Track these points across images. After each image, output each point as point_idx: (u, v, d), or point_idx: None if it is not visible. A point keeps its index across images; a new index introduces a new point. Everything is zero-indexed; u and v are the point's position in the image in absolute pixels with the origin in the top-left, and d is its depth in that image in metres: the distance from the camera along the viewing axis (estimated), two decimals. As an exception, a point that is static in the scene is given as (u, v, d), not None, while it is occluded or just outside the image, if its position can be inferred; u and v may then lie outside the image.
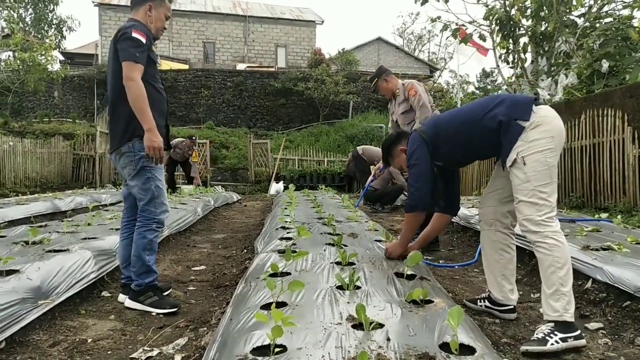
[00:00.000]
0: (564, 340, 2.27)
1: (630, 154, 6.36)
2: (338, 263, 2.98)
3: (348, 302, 2.19)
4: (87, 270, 3.18)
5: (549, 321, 2.37)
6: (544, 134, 2.49)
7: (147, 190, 2.97)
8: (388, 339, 1.74)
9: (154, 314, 2.88)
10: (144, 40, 2.88)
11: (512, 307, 2.82)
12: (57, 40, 17.88)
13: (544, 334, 2.32)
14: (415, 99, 4.61)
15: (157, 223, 3.02)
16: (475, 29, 10.52)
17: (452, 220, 5.85)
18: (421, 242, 3.27)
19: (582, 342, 2.31)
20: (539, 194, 2.47)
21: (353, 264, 2.96)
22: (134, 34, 2.85)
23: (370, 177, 6.87)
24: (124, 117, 2.92)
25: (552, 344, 2.26)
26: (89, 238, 3.89)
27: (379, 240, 3.88)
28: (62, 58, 26.42)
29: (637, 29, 8.03)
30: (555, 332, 2.30)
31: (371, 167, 7.66)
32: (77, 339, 2.44)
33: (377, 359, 1.57)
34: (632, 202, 6.28)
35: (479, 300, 2.94)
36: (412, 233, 3.14)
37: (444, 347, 1.70)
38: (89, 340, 2.43)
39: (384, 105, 21.18)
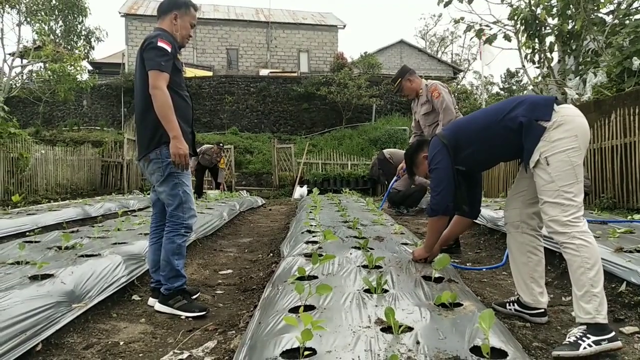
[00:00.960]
0: (597, 343, 2.20)
1: (664, 153, 6.18)
2: (365, 266, 2.98)
3: (376, 306, 2.19)
4: (118, 274, 3.24)
5: (581, 324, 2.30)
6: (567, 133, 2.45)
7: (175, 196, 3.02)
8: (417, 342, 1.73)
9: (183, 317, 2.92)
10: (169, 49, 2.93)
11: (542, 310, 2.76)
12: (85, 51, 18.32)
13: (576, 337, 2.25)
14: (438, 101, 4.55)
15: (186, 228, 3.07)
16: (500, 29, 10.38)
17: (479, 222, 5.79)
18: (440, 244, 3.24)
19: (618, 344, 2.23)
20: (564, 194, 2.43)
21: (380, 267, 2.95)
22: (160, 43, 2.91)
23: (395, 178, 6.81)
24: (151, 125, 2.98)
25: (584, 348, 2.19)
26: (118, 243, 3.97)
27: (406, 244, 3.86)
28: (90, 68, 27.14)
29: (669, 25, 7.81)
30: (588, 335, 2.23)
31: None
32: (110, 342, 2.49)
33: (407, 363, 1.56)
34: (667, 203, 6.10)
35: (508, 304, 2.90)
36: (437, 237, 3.12)
37: (475, 350, 1.68)
38: (121, 343, 2.48)
39: (407, 108, 21.09)
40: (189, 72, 24.18)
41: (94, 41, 19.78)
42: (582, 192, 2.49)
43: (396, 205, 8.41)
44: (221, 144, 11.65)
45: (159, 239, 3.15)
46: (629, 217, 5.05)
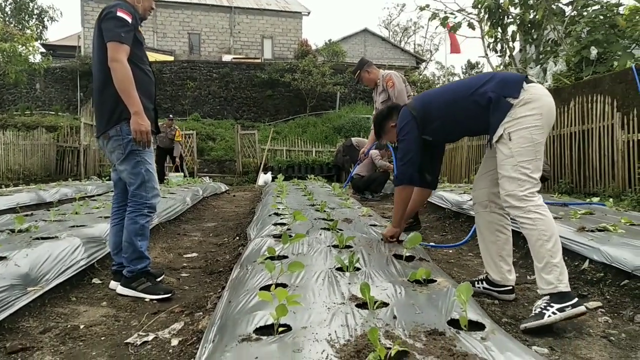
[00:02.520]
0: (561, 310, 2.26)
1: (620, 140, 6.40)
2: (335, 246, 2.94)
3: (349, 283, 2.15)
4: (77, 257, 3.08)
5: (545, 295, 2.36)
6: (533, 111, 2.48)
7: (137, 175, 2.89)
8: (394, 317, 1.70)
9: (147, 300, 2.80)
10: (129, 20, 2.78)
11: (510, 287, 2.80)
12: (38, 31, 17.45)
13: (541, 308, 2.32)
14: (392, 91, 4.81)
15: (149, 208, 2.94)
16: (464, 17, 10.48)
17: (444, 206, 5.86)
18: (404, 218, 3.24)
19: (582, 309, 2.28)
20: (521, 169, 2.47)
21: (350, 247, 2.92)
22: (119, 13, 2.75)
23: (357, 163, 6.95)
24: (110, 100, 2.83)
25: (549, 316, 2.26)
26: (77, 226, 3.79)
27: (374, 225, 3.85)
28: (43, 50, 25.92)
29: (624, 16, 8.07)
30: (552, 304, 2.29)
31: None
32: (69, 325, 2.36)
33: (386, 336, 1.52)
34: (621, 187, 6.33)
35: (476, 282, 2.92)
36: (403, 208, 3.12)
37: (452, 323, 1.66)
38: (81, 327, 2.36)
39: (370, 97, 21.16)
40: (149, 57, 23.23)
41: (47, 21, 18.87)
42: (540, 170, 2.53)
43: (360, 191, 8.44)
44: (171, 116, 11.43)
45: (121, 220, 3.01)
46: (588, 200, 5.22)
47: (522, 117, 2.48)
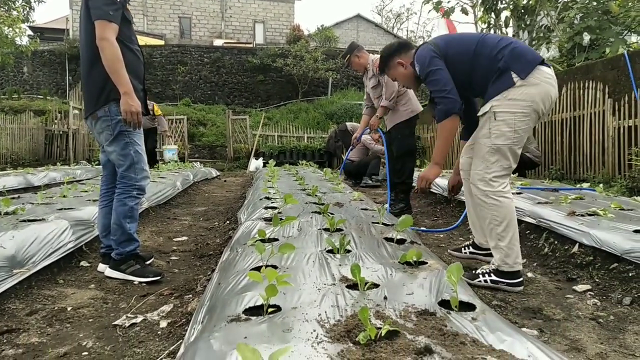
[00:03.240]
0: (494, 282, 2.55)
1: (610, 126, 6.42)
2: (326, 229, 2.93)
3: (340, 265, 2.14)
4: (65, 239, 3.04)
5: (494, 264, 2.62)
6: (525, 96, 2.44)
7: (126, 156, 2.84)
8: (385, 298, 1.69)
9: (136, 282, 2.78)
10: None
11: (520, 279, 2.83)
12: (25, 12, 17.08)
13: (483, 271, 2.63)
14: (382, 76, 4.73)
15: (138, 190, 2.90)
16: (458, 2, 10.42)
17: (435, 191, 5.85)
18: (437, 162, 2.89)
19: (518, 288, 2.55)
20: (494, 152, 2.51)
21: (341, 230, 2.91)
22: None
23: (350, 148, 6.88)
24: (98, 79, 2.77)
25: (479, 281, 2.58)
26: (65, 209, 3.74)
27: (365, 209, 3.83)
28: (31, 33, 25.45)
29: (617, 3, 8.05)
30: (491, 275, 2.58)
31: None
32: (56, 307, 2.33)
33: (376, 317, 1.51)
34: (611, 173, 6.37)
35: (463, 248, 3.04)
36: (449, 145, 2.82)
37: (443, 304, 1.65)
38: (69, 309, 2.33)
39: (362, 83, 21.05)
40: (139, 40, 22.88)
41: (35, 2, 18.45)
42: (513, 156, 2.55)
43: (352, 176, 8.40)
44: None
45: (110, 202, 2.97)
46: (578, 186, 5.24)
47: (513, 99, 2.45)
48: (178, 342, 1.88)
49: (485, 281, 2.57)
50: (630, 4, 7.96)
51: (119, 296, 2.58)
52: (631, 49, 6.95)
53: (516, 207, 3.94)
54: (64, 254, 2.98)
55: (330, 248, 2.41)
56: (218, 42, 25.89)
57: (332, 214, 3.46)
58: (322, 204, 3.79)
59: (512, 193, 4.37)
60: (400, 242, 2.69)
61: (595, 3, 8.13)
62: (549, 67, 2.60)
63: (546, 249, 3.39)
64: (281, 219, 2.78)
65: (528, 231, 3.76)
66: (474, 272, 2.64)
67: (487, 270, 2.60)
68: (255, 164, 14.33)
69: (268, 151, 15.97)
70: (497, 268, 2.56)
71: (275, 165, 8.18)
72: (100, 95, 2.79)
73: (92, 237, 3.41)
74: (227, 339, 1.38)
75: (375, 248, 2.47)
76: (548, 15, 9.18)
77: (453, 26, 15.18)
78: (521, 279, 2.59)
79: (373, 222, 3.22)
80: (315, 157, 15.89)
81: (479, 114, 2.57)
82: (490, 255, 2.83)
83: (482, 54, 2.57)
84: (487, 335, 1.39)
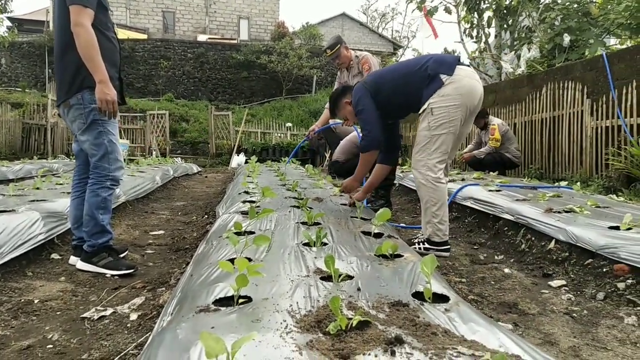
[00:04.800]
0: (426, 249, 3.06)
1: (589, 126, 6.50)
2: (304, 223, 2.90)
3: (315, 257, 2.11)
4: (35, 231, 2.96)
5: (425, 236, 3.13)
6: (454, 91, 2.87)
7: (99, 146, 2.77)
8: (358, 289, 1.66)
9: (108, 275, 2.71)
10: None
11: (448, 246, 3.22)
12: (2, 2, 16.69)
13: (418, 240, 3.17)
14: (367, 74, 4.69)
15: (112, 180, 2.84)
16: (441, 1, 10.46)
17: (415, 189, 5.85)
18: (365, 190, 3.66)
19: (445, 254, 3.10)
20: (433, 142, 2.93)
21: (319, 223, 2.88)
22: None
23: (304, 139, 6.95)
24: (72, 66, 2.70)
25: (418, 248, 3.07)
26: (37, 200, 3.64)
27: (345, 205, 3.81)
28: (9, 24, 24.92)
29: (597, 4, 8.16)
30: (424, 243, 3.13)
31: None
32: (23, 300, 2.26)
33: (349, 307, 1.49)
34: (589, 173, 6.44)
35: (417, 244, 3.18)
36: (367, 169, 3.50)
37: (417, 296, 1.63)
38: (36, 301, 2.26)
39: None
40: (121, 34, 22.77)
41: (13, -7, 18.06)
42: (449, 142, 2.96)
43: (341, 177, 8.35)
44: None
45: (82, 193, 2.89)
46: (556, 184, 5.29)
47: (445, 95, 2.87)
48: (147, 334, 1.83)
49: (420, 248, 3.07)
50: (609, 6, 8.07)
51: (89, 289, 2.51)
52: (609, 51, 7.05)
53: (495, 204, 4.01)
54: (34, 245, 2.89)
55: (306, 241, 2.38)
56: (202, 38, 25.65)
57: (311, 208, 3.43)
58: (302, 199, 3.76)
59: (491, 190, 4.42)
60: (378, 236, 2.68)
61: (576, 5, 8.23)
62: (468, 65, 3.16)
63: (523, 246, 3.40)
64: (258, 212, 2.74)
65: (506, 228, 3.77)
66: (414, 240, 3.16)
67: (422, 240, 3.14)
68: (237, 160, 14.22)
69: (251, 148, 15.85)
70: (429, 238, 3.09)
71: (257, 162, 8.13)
72: (73, 83, 2.72)
73: (65, 230, 3.33)
74: (194, 329, 1.34)
75: (352, 241, 2.44)
76: (530, 16, 9.27)
77: (434, 27, 15.18)
78: (449, 246, 3.16)
79: (352, 217, 3.20)
80: (298, 155, 15.82)
81: (419, 112, 2.99)
82: (445, 250, 3.21)
83: (411, 72, 3.07)
84: (459, 326, 1.37)
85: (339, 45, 4.91)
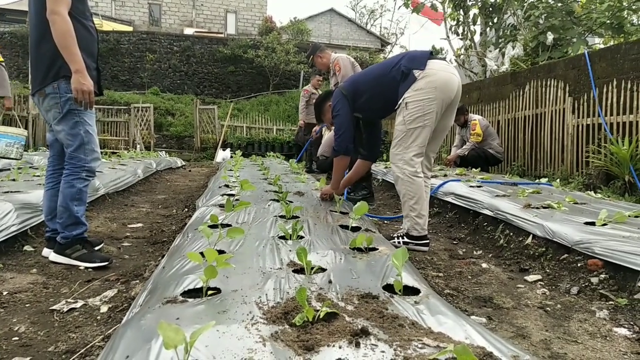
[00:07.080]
0: (406, 243, 3.06)
1: (570, 124, 6.56)
2: (282, 217, 2.88)
3: (290, 251, 2.09)
4: (7, 222, 2.90)
5: (405, 230, 3.13)
6: (428, 84, 2.90)
7: (75, 136, 2.72)
8: (330, 282, 1.65)
9: (81, 267, 2.67)
10: None
11: (427, 241, 3.21)
12: (-16, -9, 16.38)
13: (398, 235, 3.17)
14: (339, 74, 4.97)
15: (88, 171, 2.78)
16: (428, -1, 10.47)
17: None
18: (345, 184, 3.73)
19: (424, 248, 3.11)
20: (409, 136, 2.96)
21: (297, 217, 2.86)
22: None
23: (308, 138, 7.03)
24: (48, 54, 2.64)
25: (398, 242, 3.08)
26: (12, 192, 3.57)
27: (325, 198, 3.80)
28: (-9, 13, 24.47)
29: (581, 3, 8.23)
30: (404, 237, 3.11)
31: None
32: (-9, 292, 2.22)
33: (318, 299, 1.48)
34: (570, 170, 6.51)
35: (396, 238, 3.18)
36: (341, 175, 3.58)
37: (388, 288, 1.63)
38: (5, 293, 2.21)
39: (335, 76, 20.99)
40: (107, 26, 22.51)
41: (-5, -18, 17.72)
42: (425, 135, 2.97)
43: (325, 172, 8.36)
44: None
45: (57, 184, 2.84)
46: (537, 181, 5.33)
47: (419, 89, 2.91)
48: (116, 327, 1.80)
49: (399, 242, 3.07)
50: (592, 6, 8.15)
51: (61, 281, 2.47)
52: (591, 50, 7.12)
53: (475, 200, 4.03)
54: (6, 237, 2.84)
55: (283, 234, 2.37)
56: (189, 31, 25.38)
57: (290, 201, 3.42)
58: (282, 192, 3.74)
59: (472, 186, 4.44)
60: (356, 229, 2.67)
61: (560, 4, 8.28)
62: (442, 59, 3.20)
63: (502, 241, 3.42)
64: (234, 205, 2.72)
65: (485, 223, 3.79)
66: (394, 235, 3.17)
67: (401, 234, 3.14)
68: (222, 154, 14.12)
69: (236, 142, 15.75)
70: (408, 232, 3.09)
71: (242, 156, 8.09)
72: (49, 71, 2.66)
73: (39, 222, 3.27)
74: (159, 320, 1.32)
75: (328, 235, 2.44)
76: (515, 14, 9.32)
77: (433, 14, 15.00)
78: (428, 240, 3.16)
79: (331, 211, 3.19)
80: (284, 149, 15.77)
81: (396, 107, 3.03)
82: (424, 244, 3.22)
83: (385, 74, 3.13)
84: (427, 318, 1.37)
85: (311, 56, 5.28)
